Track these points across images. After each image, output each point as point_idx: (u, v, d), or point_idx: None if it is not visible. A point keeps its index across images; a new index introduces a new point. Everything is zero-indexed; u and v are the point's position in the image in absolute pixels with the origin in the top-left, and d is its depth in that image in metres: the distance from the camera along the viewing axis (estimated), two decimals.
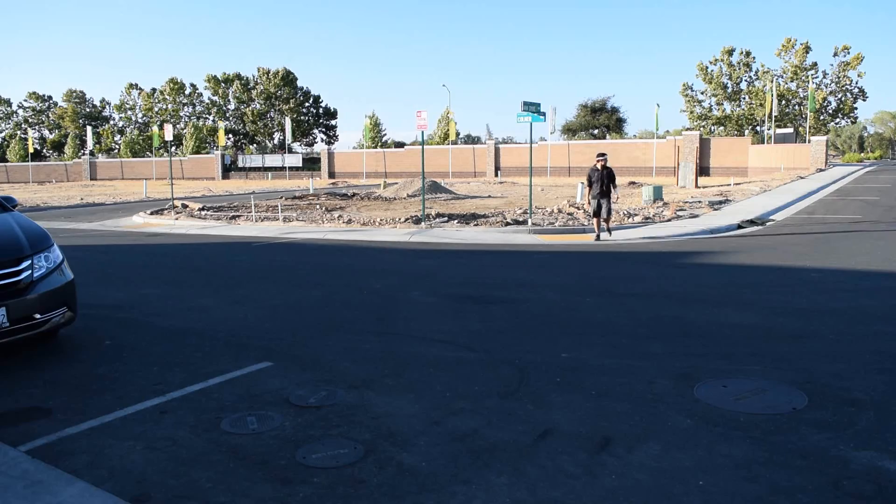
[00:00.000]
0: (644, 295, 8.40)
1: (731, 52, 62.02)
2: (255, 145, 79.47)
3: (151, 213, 21.95)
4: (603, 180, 13.80)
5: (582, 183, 13.89)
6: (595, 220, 14.06)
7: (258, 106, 79.55)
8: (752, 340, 6.14)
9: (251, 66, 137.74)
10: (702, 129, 61.24)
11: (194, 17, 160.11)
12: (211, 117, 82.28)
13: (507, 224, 16.06)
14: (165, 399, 4.85)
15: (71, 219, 22.60)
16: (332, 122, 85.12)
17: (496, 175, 53.58)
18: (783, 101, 58.94)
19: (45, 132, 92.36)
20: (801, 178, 33.50)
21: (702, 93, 63.97)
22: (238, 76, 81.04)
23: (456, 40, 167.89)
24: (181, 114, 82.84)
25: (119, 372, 5.50)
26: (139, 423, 4.42)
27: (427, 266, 11.42)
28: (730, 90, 62.60)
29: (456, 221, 16.85)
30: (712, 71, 62.45)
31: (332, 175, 61.95)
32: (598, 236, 13.97)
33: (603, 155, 14.21)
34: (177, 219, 19.94)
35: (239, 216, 19.79)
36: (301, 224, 17.87)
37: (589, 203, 14.29)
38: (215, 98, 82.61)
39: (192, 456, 3.94)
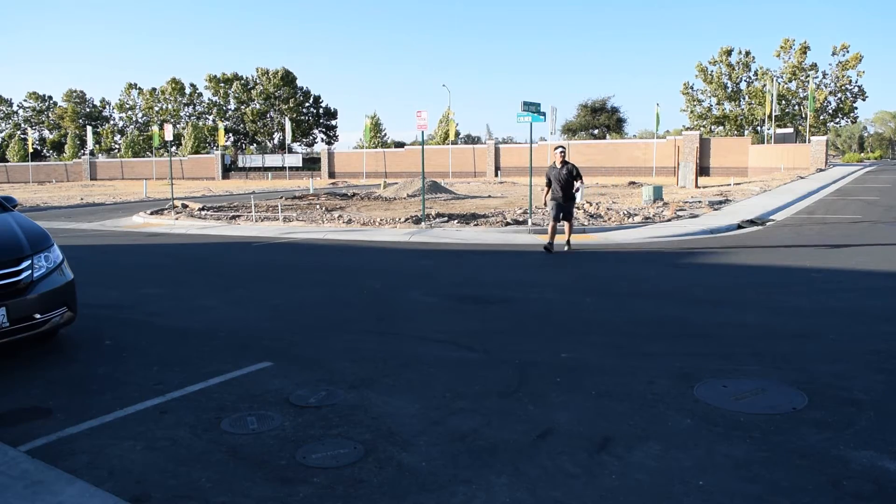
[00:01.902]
0: (644, 295, 8.40)
1: (729, 53, 61.98)
2: (255, 145, 79.45)
3: (151, 213, 21.94)
4: (561, 179, 11.90)
5: (581, 184, 12.34)
6: (552, 224, 12.00)
7: (258, 106, 79.55)
8: (753, 340, 6.14)
9: (251, 67, 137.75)
10: (702, 128, 61.23)
11: (194, 17, 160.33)
12: (211, 117, 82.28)
13: (507, 224, 16.06)
14: (165, 399, 4.85)
15: (71, 219, 22.59)
16: (332, 122, 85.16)
17: (496, 175, 53.57)
18: (783, 101, 58.93)
19: (45, 132, 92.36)
20: (801, 178, 33.49)
21: (702, 92, 63.98)
22: (237, 76, 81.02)
23: (456, 40, 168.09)
24: (181, 114, 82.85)
25: (119, 372, 5.50)
26: (139, 423, 4.41)
27: (427, 266, 11.42)
28: (730, 90, 62.59)
29: (456, 221, 16.85)
30: (712, 71, 62.43)
31: (332, 175, 61.94)
32: (550, 245, 11.94)
33: (560, 148, 12.16)
34: (177, 219, 19.94)
35: (239, 216, 19.79)
36: (301, 224, 17.86)
37: (546, 204, 12.35)
38: (215, 98, 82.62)
39: (191, 456, 3.94)
